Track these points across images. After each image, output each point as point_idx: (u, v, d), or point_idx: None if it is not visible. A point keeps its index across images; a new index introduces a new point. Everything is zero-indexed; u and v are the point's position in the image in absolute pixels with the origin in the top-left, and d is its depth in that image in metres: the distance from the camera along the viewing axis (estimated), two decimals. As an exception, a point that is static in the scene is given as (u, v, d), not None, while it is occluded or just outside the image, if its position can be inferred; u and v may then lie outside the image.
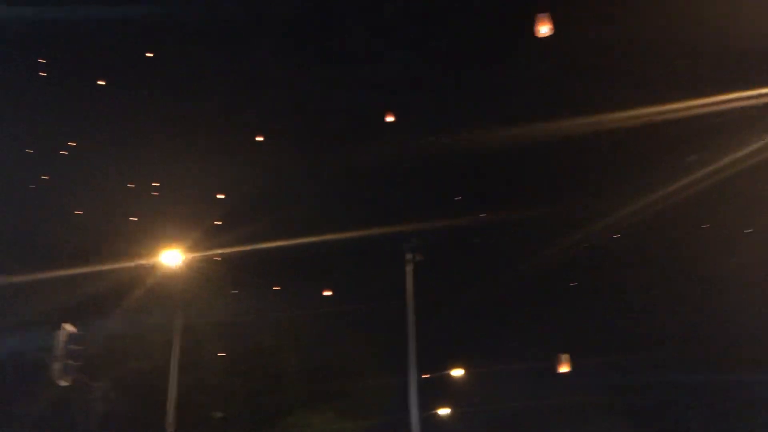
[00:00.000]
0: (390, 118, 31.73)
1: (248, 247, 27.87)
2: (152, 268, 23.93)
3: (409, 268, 25.10)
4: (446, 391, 34.48)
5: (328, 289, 36.04)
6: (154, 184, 30.65)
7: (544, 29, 19.07)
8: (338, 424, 32.10)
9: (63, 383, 21.22)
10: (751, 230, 35.92)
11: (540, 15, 19.06)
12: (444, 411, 35.25)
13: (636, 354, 40.48)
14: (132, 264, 24.27)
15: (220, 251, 27.44)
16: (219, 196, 30.17)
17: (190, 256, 24.34)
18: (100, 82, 29.36)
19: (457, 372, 31.51)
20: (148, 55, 29.59)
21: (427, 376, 28.95)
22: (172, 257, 23.53)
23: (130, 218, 28.56)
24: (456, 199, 38.24)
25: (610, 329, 42.66)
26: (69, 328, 20.84)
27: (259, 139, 32.11)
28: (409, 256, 25.09)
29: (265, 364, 32.01)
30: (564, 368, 26.89)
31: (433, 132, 39.64)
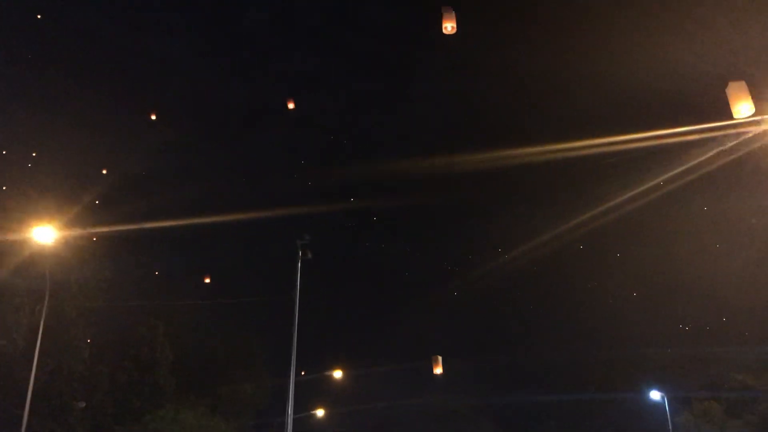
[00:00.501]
0: (290, 105, 31.26)
1: (127, 227, 26.46)
2: (22, 243, 22.19)
3: (299, 264, 24.55)
4: (323, 391, 34.33)
5: (208, 276, 34.99)
6: (31, 155, 28.62)
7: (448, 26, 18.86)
8: (209, 420, 31.00)
9: None
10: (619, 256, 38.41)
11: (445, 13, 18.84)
12: (319, 412, 35.00)
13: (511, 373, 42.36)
14: (-1, 237, 22.40)
15: (96, 230, 25.86)
16: (102, 172, 28.51)
17: (64, 233, 22.73)
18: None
19: (336, 373, 31.29)
20: (38, 17, 27.75)
21: (306, 375, 28.63)
22: (44, 233, 21.79)
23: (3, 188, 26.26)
24: (351, 200, 38.32)
25: (485, 340, 44.19)
26: None
27: (151, 120, 30.77)
28: (300, 252, 24.54)
29: (136, 354, 30.48)
30: (437, 369, 27.37)
31: (333, 129, 39.71)
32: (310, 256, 25.18)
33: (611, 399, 39.52)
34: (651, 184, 29.02)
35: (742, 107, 16.45)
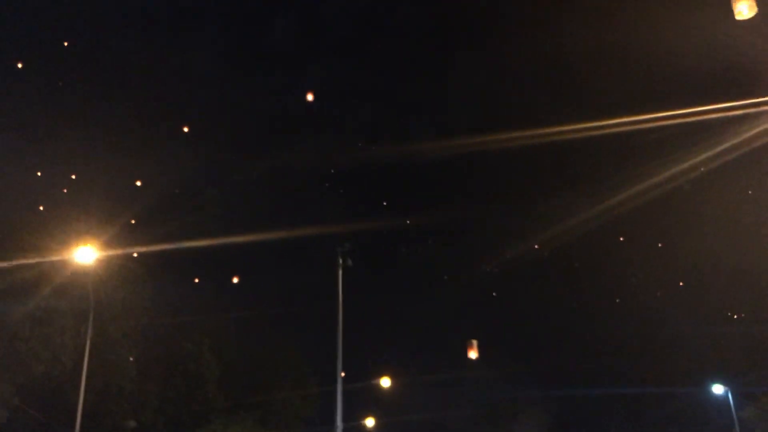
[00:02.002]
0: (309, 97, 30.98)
1: (168, 246, 26.45)
2: (63, 264, 22.27)
3: (340, 273, 24.15)
4: (373, 400, 33.85)
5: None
6: (70, 176, 28.94)
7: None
8: (257, 432, 30.82)
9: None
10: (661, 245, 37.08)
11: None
12: (369, 421, 34.48)
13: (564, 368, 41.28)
14: (41, 259, 22.51)
15: (137, 249, 25.91)
16: (137, 184, 28.64)
17: (105, 253, 22.75)
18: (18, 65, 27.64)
19: (384, 381, 30.72)
20: (64, 44, 28.11)
21: (353, 384, 28.20)
22: (85, 254, 21.82)
23: (40, 209, 26.52)
24: (384, 204, 37.91)
25: (533, 335, 43.15)
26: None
27: (184, 135, 30.87)
28: (340, 260, 24.15)
29: (183, 370, 30.46)
30: (473, 354, 26.68)
31: (367, 140, 39.41)
32: (350, 263, 24.79)
33: (672, 393, 38.08)
34: (694, 161, 27.75)
35: (742, 7, 15.56)
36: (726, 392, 34.38)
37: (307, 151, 38.90)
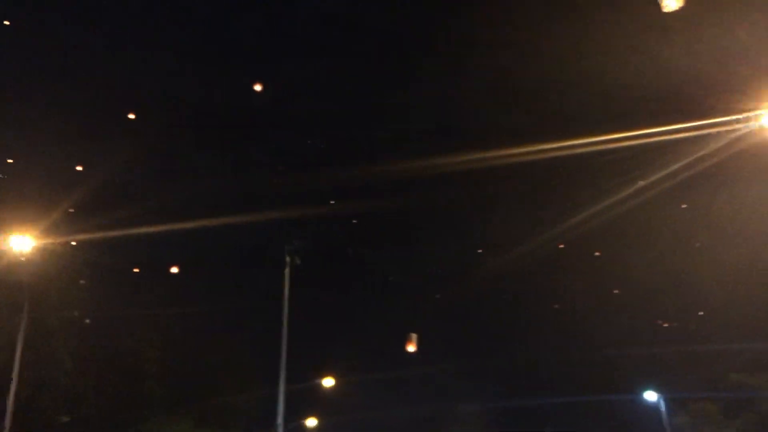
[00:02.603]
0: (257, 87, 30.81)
1: (109, 235, 25.72)
2: (-1, 253, 21.46)
3: (287, 271, 23.96)
4: (316, 400, 33.64)
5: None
6: (6, 161, 27.89)
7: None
8: (198, 431, 30.27)
9: None
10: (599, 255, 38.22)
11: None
12: (311, 422, 34.27)
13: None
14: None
15: (76, 238, 25.12)
16: (78, 169, 27.76)
17: (43, 241, 21.99)
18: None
19: (328, 381, 30.60)
20: (5, 23, 27.12)
21: (297, 384, 27.96)
22: (21, 242, 21.07)
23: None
24: (332, 203, 37.83)
25: (476, 343, 43.69)
26: None
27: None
28: (288, 258, 23.96)
29: (122, 364, 29.70)
30: (411, 347, 26.89)
31: (322, 139, 39.25)
32: (299, 262, 24.61)
33: (607, 401, 39.02)
34: (640, 184, 28.85)
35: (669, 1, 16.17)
36: (659, 399, 35.48)
37: (259, 147, 38.48)
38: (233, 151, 37.87)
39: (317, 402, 34.17)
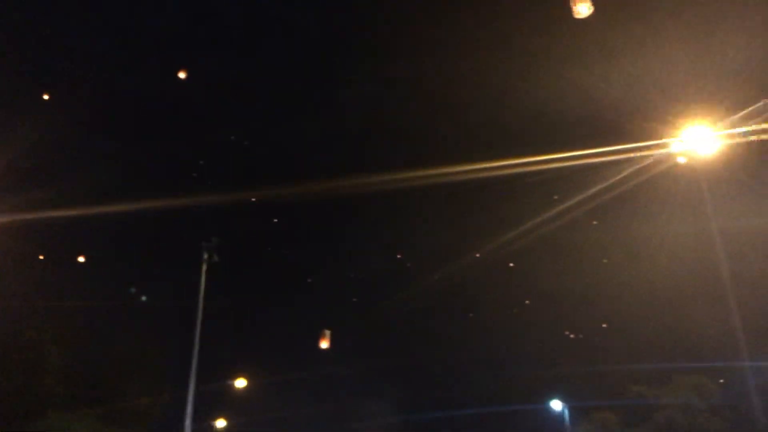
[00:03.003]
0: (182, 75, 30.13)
1: (11, 219, 24.48)
2: None
3: (204, 269, 23.41)
4: (228, 401, 33.05)
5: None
6: None
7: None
8: (100, 430, 29.07)
9: None
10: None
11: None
12: (220, 423, 33.62)
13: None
14: None
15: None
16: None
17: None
18: None
19: (240, 382, 30.08)
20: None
21: (208, 385, 27.39)
22: None
23: None
24: (253, 200, 37.31)
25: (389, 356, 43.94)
26: None
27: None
28: (206, 255, 23.41)
29: (21, 359, 28.25)
30: (324, 344, 26.94)
31: (243, 136, 38.62)
32: (216, 259, 24.11)
33: (515, 411, 39.99)
34: (561, 206, 29.98)
35: (581, 7, 16.99)
36: (563, 408, 36.71)
37: (178, 138, 37.41)
38: (153, 142, 36.75)
39: (228, 402, 33.61)
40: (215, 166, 38.50)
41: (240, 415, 35.80)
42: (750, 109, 21.32)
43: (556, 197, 30.12)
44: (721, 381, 34.12)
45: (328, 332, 27.25)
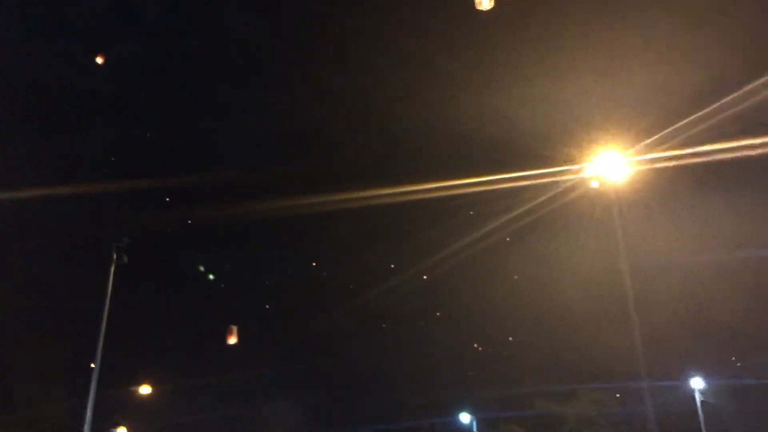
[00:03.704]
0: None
1: None
2: None
3: (112, 269, 22.40)
4: (128, 407, 31.73)
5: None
6: None
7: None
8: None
9: None
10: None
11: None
12: (121, 431, 32.24)
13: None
14: None
15: None
16: None
17: None
18: None
19: (144, 389, 28.98)
20: None
21: (111, 392, 26.19)
22: None
23: None
24: (167, 200, 36.19)
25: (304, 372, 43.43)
26: None
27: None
28: (115, 255, 22.42)
29: None
30: (232, 340, 26.58)
31: (160, 134, 37.42)
32: (126, 260, 23.16)
33: (425, 425, 40.23)
34: (485, 229, 30.69)
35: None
36: (471, 421, 37.39)
37: (90, 133, 35.79)
38: (64, 135, 35.04)
39: (132, 409, 32.32)
40: (126, 163, 37.04)
41: (143, 422, 34.52)
42: (658, 135, 22.46)
43: (476, 220, 30.78)
44: (618, 395, 35.69)
45: (235, 328, 26.84)
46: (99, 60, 29.53)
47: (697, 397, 32.79)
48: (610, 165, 20.52)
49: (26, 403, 29.61)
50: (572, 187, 22.77)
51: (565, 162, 21.70)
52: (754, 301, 33.62)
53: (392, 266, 40.27)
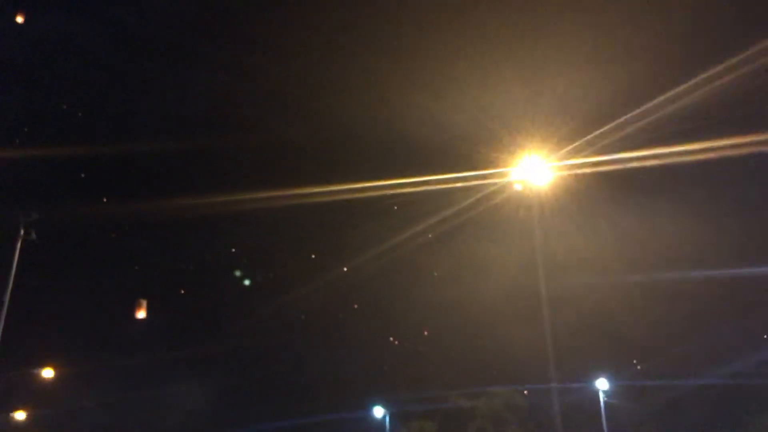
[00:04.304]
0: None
1: None
2: None
3: (19, 246, 21.29)
4: (32, 391, 30.29)
5: None
6: None
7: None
8: None
9: None
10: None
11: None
12: (20, 415, 30.74)
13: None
14: None
15: None
16: None
17: None
18: None
19: (47, 372, 27.70)
20: None
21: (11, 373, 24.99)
22: None
23: None
24: (82, 177, 34.68)
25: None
26: None
27: None
28: (23, 231, 21.31)
29: None
30: (141, 313, 25.89)
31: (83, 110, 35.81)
32: (34, 236, 22.06)
33: (338, 420, 40.02)
34: (414, 228, 30.99)
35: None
36: (385, 415, 37.59)
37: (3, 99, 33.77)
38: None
39: (33, 393, 30.88)
40: (42, 134, 35.24)
41: (45, 406, 33.02)
42: (579, 142, 23.16)
43: (402, 219, 31.11)
44: (526, 392, 36.76)
45: (144, 301, 26.06)
46: (19, 19, 27.93)
47: (601, 397, 34.18)
48: (533, 169, 21.01)
49: None
50: (498, 190, 23.22)
51: (492, 165, 22.12)
52: (659, 306, 35.39)
53: (313, 257, 40.07)
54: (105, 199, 37.64)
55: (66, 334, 36.54)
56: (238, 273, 42.24)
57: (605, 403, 34.08)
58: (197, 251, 42.33)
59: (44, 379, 28.20)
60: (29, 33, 29.55)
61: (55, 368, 29.17)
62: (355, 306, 43.12)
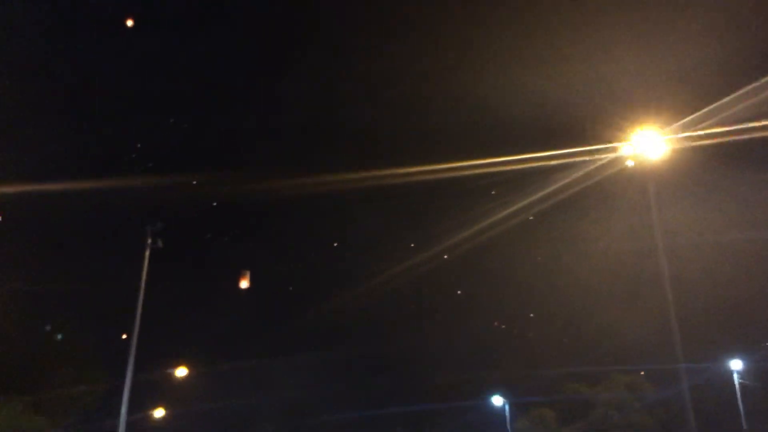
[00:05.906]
0: None
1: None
2: None
3: (147, 254, 22.62)
4: (166, 390, 32.12)
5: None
6: None
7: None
8: (26, 418, 27.69)
9: None
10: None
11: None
12: (158, 412, 32.63)
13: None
14: None
15: None
16: None
17: None
18: None
19: (181, 371, 29.26)
20: None
21: (146, 374, 26.55)
22: None
23: None
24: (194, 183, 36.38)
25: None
26: None
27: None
28: (150, 240, 22.62)
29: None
30: (244, 283, 26.73)
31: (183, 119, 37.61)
32: (161, 244, 23.34)
33: (457, 407, 40.13)
34: (514, 208, 30.41)
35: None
36: (504, 404, 37.22)
37: (113, 119, 36.01)
38: (89, 121, 35.38)
39: (168, 391, 32.74)
40: (155, 149, 37.31)
41: (180, 405, 34.93)
42: (696, 114, 21.92)
43: (506, 199, 30.55)
44: (651, 377, 35.27)
45: (248, 272, 26.96)
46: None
47: (736, 378, 32.25)
48: (647, 143, 20.11)
49: (65, 385, 30.05)
50: (607, 166, 22.40)
51: (602, 140, 21.36)
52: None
53: (412, 245, 40.19)
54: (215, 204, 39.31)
55: (199, 335, 38.49)
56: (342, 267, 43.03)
57: (740, 384, 32.13)
58: (305, 248, 43.36)
59: (179, 378, 29.80)
60: (139, 56, 31.22)
61: (188, 367, 30.72)
62: (458, 292, 42.89)
